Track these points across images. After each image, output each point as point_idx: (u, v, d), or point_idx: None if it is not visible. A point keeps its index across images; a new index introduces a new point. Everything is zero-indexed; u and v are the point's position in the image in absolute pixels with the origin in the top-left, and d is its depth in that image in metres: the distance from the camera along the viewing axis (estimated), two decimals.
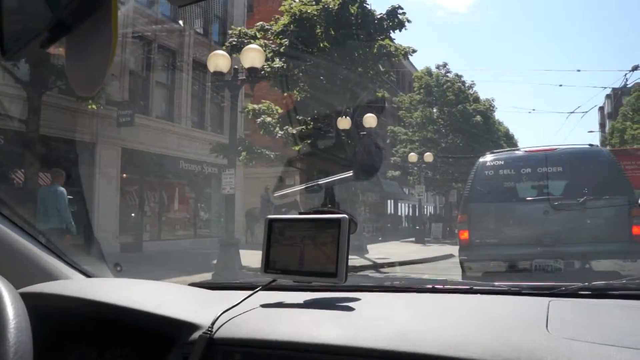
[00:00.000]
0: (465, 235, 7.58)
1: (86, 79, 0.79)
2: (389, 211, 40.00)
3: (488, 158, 7.98)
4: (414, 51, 17.52)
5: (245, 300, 1.48)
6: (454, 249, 12.47)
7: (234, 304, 1.45)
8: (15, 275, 1.41)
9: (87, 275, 1.88)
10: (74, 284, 1.70)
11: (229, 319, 1.40)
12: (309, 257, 1.44)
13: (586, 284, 1.61)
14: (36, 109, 11.94)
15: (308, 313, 1.44)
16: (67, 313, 1.57)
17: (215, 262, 11.23)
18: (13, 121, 12.78)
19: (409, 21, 16.77)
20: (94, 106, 13.80)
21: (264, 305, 1.50)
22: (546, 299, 1.47)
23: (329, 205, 1.60)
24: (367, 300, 1.56)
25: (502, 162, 7.74)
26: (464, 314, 1.42)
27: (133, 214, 17.60)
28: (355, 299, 1.54)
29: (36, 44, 0.80)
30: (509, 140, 41.65)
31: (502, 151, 8.79)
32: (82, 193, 14.79)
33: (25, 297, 1.09)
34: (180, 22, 19.04)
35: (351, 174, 1.73)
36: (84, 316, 1.56)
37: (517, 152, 8.47)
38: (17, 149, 12.68)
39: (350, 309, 1.44)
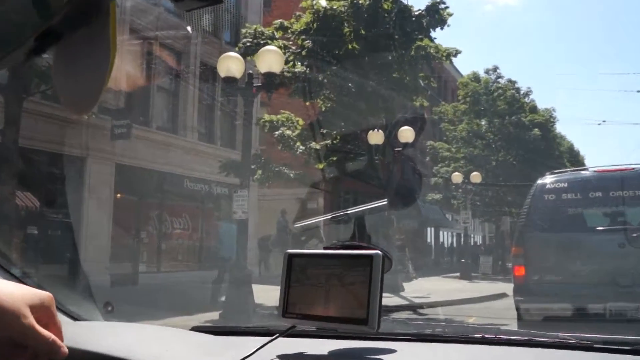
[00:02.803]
0: (521, 271, 7.50)
1: (80, 95, 0.79)
2: (428, 241, 39.73)
3: (548, 179, 7.91)
4: (458, 52, 17.50)
5: (260, 350, 1.48)
6: (507, 287, 12.31)
7: (246, 355, 1.44)
8: None
9: (73, 317, 1.88)
10: None
11: None
12: (336, 300, 1.43)
13: None
14: (15, 117, 12.08)
15: None
16: None
17: (223, 299, 11.23)
18: None
19: (450, 15, 16.78)
20: (84, 115, 14.02)
21: (281, 357, 1.49)
22: (623, 358, 1.44)
23: (359, 238, 1.59)
24: (404, 353, 1.54)
25: (566, 185, 7.66)
26: None
27: (128, 241, 17.72)
28: (390, 351, 1.53)
29: (20, 54, 0.81)
30: (574, 158, 41.18)
31: (565, 171, 8.73)
32: (68, 215, 14.96)
33: None
34: (188, 27, 19.30)
35: (385, 202, 1.72)
36: None
37: (584, 172, 8.43)
38: None
39: None
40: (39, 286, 1.84)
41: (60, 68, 0.81)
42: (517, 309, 7.40)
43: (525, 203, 8.06)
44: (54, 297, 1.27)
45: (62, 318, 1.83)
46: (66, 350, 1.05)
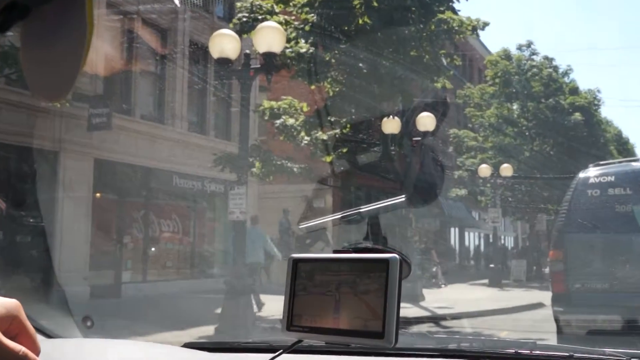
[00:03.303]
0: (560, 278, 7.51)
1: (52, 80, 0.79)
2: (452, 243, 39.73)
3: (592, 172, 7.92)
4: (485, 24, 17.47)
5: None
6: (544, 296, 12.31)
7: None
8: None
9: (46, 333, 1.89)
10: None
11: None
12: (347, 310, 1.43)
13: None
14: None
15: None
16: None
17: (219, 311, 11.26)
18: None
19: None
20: (56, 103, 14.03)
21: None
22: None
23: (373, 240, 1.59)
24: None
25: (613, 178, 7.67)
26: None
27: (109, 247, 17.77)
28: None
29: None
30: (622, 147, 41.10)
31: (612, 162, 8.73)
32: (40, 218, 14.99)
33: None
34: (175, 0, 19.30)
35: (403, 199, 1.72)
36: None
37: (634, 163, 8.41)
38: None
39: None
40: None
41: (28, 48, 0.81)
42: (557, 320, 7.42)
43: (564, 199, 8.08)
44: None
45: None
46: None
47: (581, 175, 7.96)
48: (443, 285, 24.13)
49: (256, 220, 15.60)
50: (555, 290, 7.70)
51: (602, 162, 8.61)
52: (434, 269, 25.23)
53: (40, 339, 1.85)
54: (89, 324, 2.61)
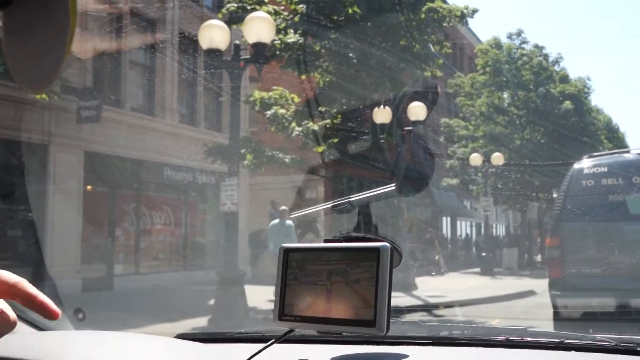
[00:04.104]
0: (557, 263, 7.68)
1: (35, 69, 0.78)
2: (444, 231, 39.80)
3: (586, 163, 8.08)
4: (474, 11, 17.48)
5: (253, 358, 1.48)
6: (535, 284, 12.37)
7: None
8: None
9: (38, 327, 1.88)
10: (18, 340, 1.69)
11: None
12: (338, 299, 1.43)
13: None
14: None
15: None
16: None
17: (212, 303, 11.27)
18: None
19: None
20: (45, 96, 13.97)
21: None
22: None
23: (364, 230, 1.59)
24: (417, 358, 1.54)
25: (606, 169, 7.83)
26: None
27: (100, 240, 17.73)
28: (402, 356, 1.53)
29: None
30: (613, 135, 41.19)
31: (605, 154, 8.89)
32: (30, 211, 14.94)
33: None
34: None
35: (393, 188, 1.72)
36: None
37: (626, 154, 8.56)
38: None
39: None
40: None
41: (10, 38, 0.80)
42: (554, 305, 7.59)
43: (560, 189, 8.27)
44: (15, 306, 1.27)
45: (25, 328, 1.84)
46: (14, 318, 1.03)
47: (576, 166, 8.17)
48: (445, 273, 24.52)
49: (285, 213, 15.42)
50: (552, 275, 7.90)
51: (595, 154, 8.83)
52: (437, 257, 25.48)
53: (31, 331, 1.84)
54: (80, 316, 2.60)
